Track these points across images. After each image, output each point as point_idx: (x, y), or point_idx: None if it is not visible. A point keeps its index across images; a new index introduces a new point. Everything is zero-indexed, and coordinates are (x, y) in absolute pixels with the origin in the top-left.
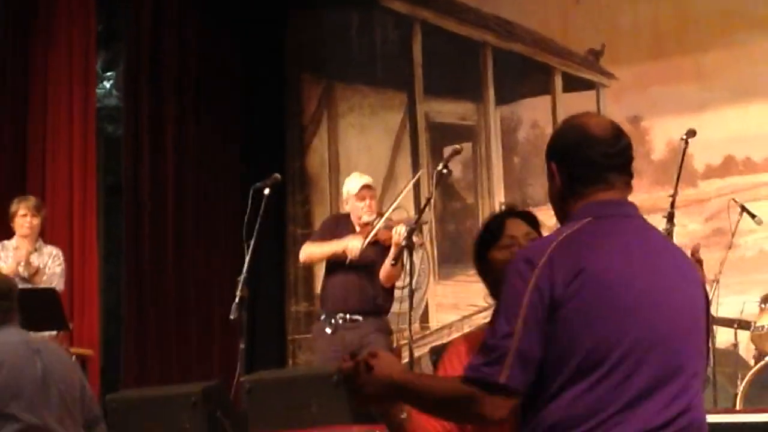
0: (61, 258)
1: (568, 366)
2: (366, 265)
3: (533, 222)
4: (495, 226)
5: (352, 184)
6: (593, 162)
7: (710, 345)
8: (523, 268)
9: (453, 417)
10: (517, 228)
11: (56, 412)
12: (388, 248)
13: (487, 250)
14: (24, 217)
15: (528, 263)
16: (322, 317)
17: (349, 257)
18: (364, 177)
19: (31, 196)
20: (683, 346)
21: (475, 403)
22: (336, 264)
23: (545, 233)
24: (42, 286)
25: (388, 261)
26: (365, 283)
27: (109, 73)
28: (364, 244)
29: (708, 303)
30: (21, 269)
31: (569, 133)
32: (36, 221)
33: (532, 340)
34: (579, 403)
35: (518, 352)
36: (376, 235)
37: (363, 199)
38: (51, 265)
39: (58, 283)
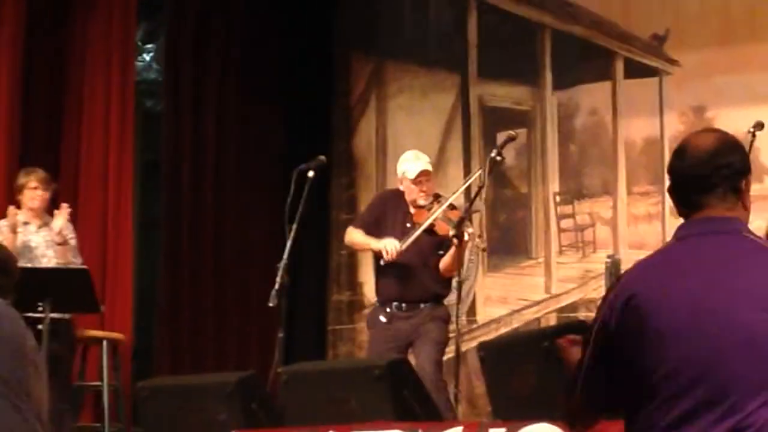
0: (72, 231)
1: (619, 392)
2: (421, 253)
3: None
4: None
5: (410, 166)
6: (684, 186)
7: None
8: (602, 300)
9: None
10: None
11: None
12: (442, 236)
13: None
14: (35, 190)
15: (606, 294)
16: (376, 305)
17: (386, 259)
18: (422, 159)
19: (39, 168)
20: (735, 364)
21: (573, 410)
22: None
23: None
24: (71, 258)
25: (452, 258)
26: (421, 273)
27: (149, 46)
28: (407, 244)
29: None
30: (33, 243)
31: (675, 155)
32: (47, 195)
33: (597, 367)
34: (628, 428)
35: (585, 379)
36: (434, 225)
37: (421, 184)
38: (70, 236)
39: (76, 256)
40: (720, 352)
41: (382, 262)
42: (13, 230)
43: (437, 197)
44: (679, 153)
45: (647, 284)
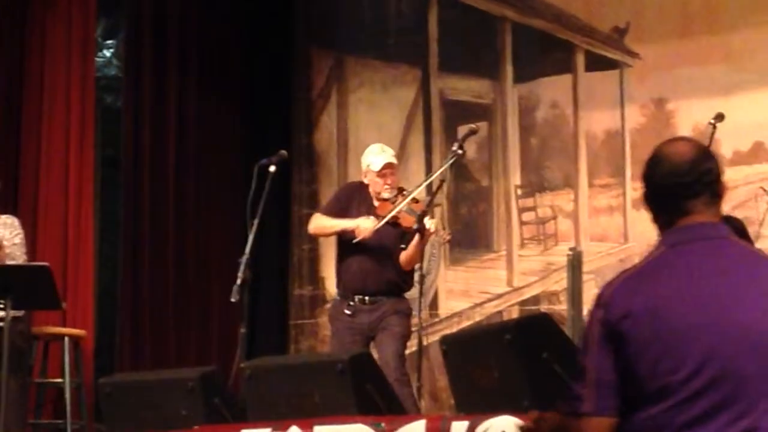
0: (18, 226)
1: (628, 395)
2: (383, 246)
3: None
4: None
5: (375, 159)
6: (667, 193)
7: None
8: (594, 307)
9: None
10: None
11: None
12: (405, 228)
13: None
14: None
15: (598, 299)
16: (338, 298)
17: (359, 237)
18: (387, 152)
19: None
20: (746, 365)
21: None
22: (352, 245)
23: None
24: (5, 261)
25: (414, 249)
26: (383, 265)
27: (109, 42)
28: (378, 226)
29: None
30: None
31: (649, 165)
32: None
33: (606, 369)
34: (640, 428)
35: (596, 382)
36: (395, 217)
37: (386, 177)
38: (9, 237)
39: (20, 256)
40: (734, 355)
41: (354, 240)
42: None
43: (401, 190)
44: (657, 161)
45: (646, 294)
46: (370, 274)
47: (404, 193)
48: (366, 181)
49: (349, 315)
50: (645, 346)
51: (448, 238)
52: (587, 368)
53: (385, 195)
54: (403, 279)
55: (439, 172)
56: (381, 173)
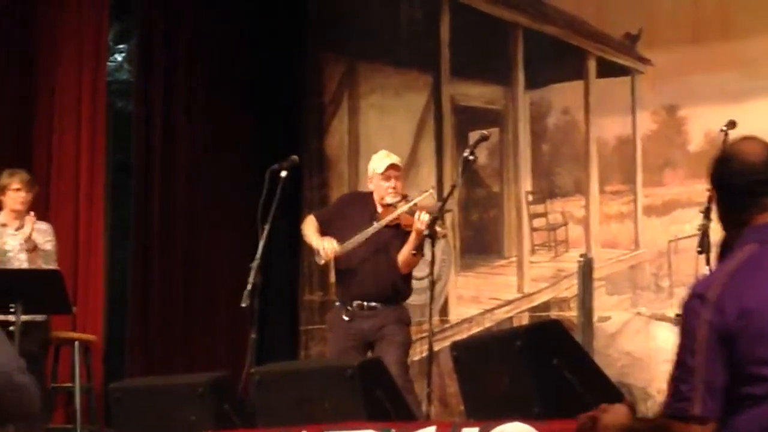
0: (52, 234)
1: (737, 393)
2: (381, 250)
3: None
4: None
5: (379, 162)
6: (745, 191)
7: None
8: (696, 304)
9: None
10: None
11: None
12: (406, 233)
13: None
14: (18, 192)
15: (700, 299)
16: (337, 304)
17: (320, 260)
18: (392, 156)
19: (23, 170)
20: None
21: None
22: (351, 251)
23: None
24: (41, 264)
25: (407, 248)
26: (381, 269)
27: (121, 46)
28: (343, 249)
29: None
30: (16, 245)
31: (723, 162)
32: (29, 197)
33: (716, 370)
34: (747, 428)
35: (705, 384)
36: (397, 218)
37: (389, 179)
38: (41, 242)
39: (52, 262)
40: None
41: (320, 262)
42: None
43: (405, 197)
44: (728, 160)
45: (757, 293)
46: (368, 278)
47: (408, 199)
48: (371, 187)
49: (347, 320)
50: (757, 345)
51: (445, 231)
52: (695, 369)
53: (389, 200)
54: (405, 285)
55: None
56: (385, 174)
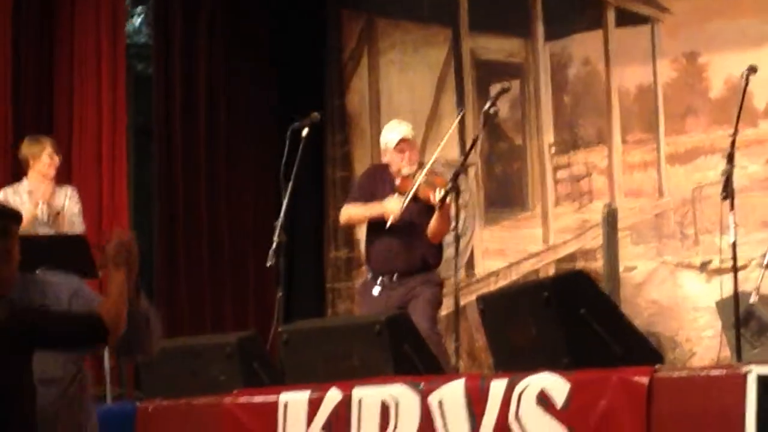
0: (77, 196)
1: None
2: (410, 223)
3: None
4: None
5: (390, 135)
6: None
7: None
8: None
9: None
10: None
11: None
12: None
13: None
14: (51, 157)
15: None
16: (369, 276)
17: (389, 220)
18: (403, 126)
19: (45, 136)
20: None
21: None
22: (378, 224)
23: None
24: (66, 229)
25: (433, 222)
26: (411, 243)
27: (138, 9)
28: (404, 204)
29: None
30: (41, 213)
31: None
32: (58, 160)
33: None
34: None
35: None
36: (416, 191)
37: (402, 152)
38: (69, 205)
39: (79, 224)
40: None
41: (387, 226)
42: (35, 205)
43: (421, 165)
44: None
45: None
46: (398, 253)
47: (424, 167)
48: (386, 160)
49: (377, 295)
50: None
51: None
52: None
53: (405, 171)
54: (433, 254)
55: (444, 140)
56: (398, 148)
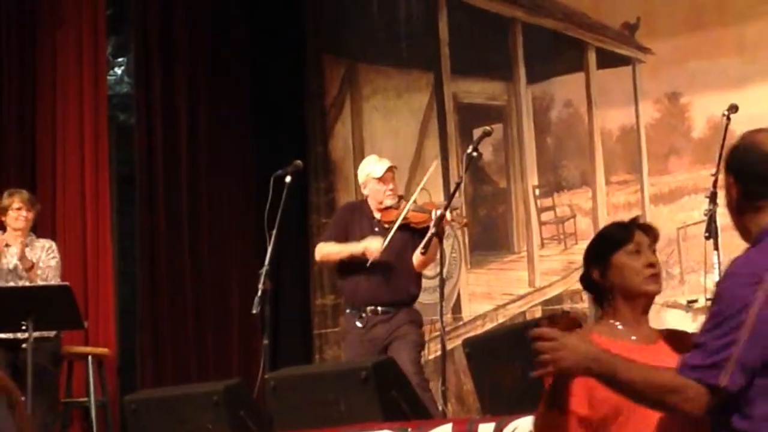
0: (56, 250)
1: (761, 382)
2: (391, 254)
3: (654, 236)
4: (624, 232)
5: (375, 167)
6: (763, 180)
7: None
8: (750, 280)
9: (649, 402)
10: (642, 238)
11: None
12: (418, 231)
13: (612, 253)
14: (19, 210)
15: (754, 276)
16: (348, 311)
17: (370, 258)
18: (384, 160)
19: (23, 190)
20: None
21: (683, 397)
22: (356, 258)
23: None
24: (38, 282)
25: (421, 248)
26: (394, 273)
27: (120, 59)
28: (389, 238)
29: None
30: (11, 265)
31: (744, 150)
32: (31, 215)
33: (755, 350)
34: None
35: (740, 360)
36: (406, 218)
37: (386, 182)
38: (45, 259)
39: (54, 277)
40: None
41: (368, 264)
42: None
43: (401, 198)
44: (747, 149)
45: None
46: (381, 284)
47: (405, 199)
48: (366, 192)
49: (361, 327)
50: None
51: (465, 220)
52: (736, 342)
53: (388, 202)
54: (416, 285)
55: (426, 176)
56: (383, 178)
